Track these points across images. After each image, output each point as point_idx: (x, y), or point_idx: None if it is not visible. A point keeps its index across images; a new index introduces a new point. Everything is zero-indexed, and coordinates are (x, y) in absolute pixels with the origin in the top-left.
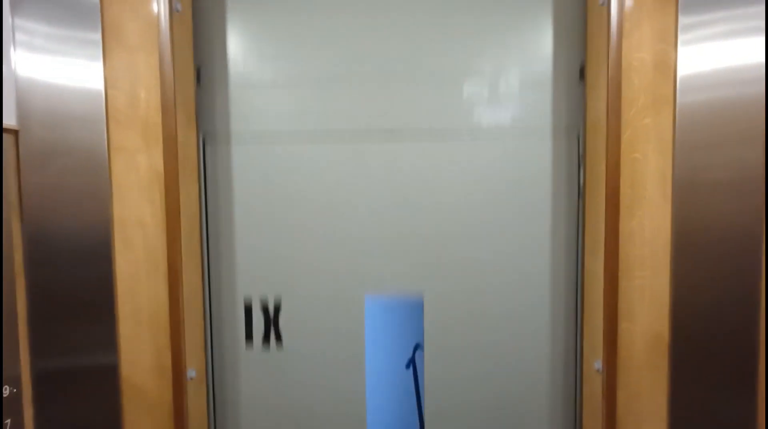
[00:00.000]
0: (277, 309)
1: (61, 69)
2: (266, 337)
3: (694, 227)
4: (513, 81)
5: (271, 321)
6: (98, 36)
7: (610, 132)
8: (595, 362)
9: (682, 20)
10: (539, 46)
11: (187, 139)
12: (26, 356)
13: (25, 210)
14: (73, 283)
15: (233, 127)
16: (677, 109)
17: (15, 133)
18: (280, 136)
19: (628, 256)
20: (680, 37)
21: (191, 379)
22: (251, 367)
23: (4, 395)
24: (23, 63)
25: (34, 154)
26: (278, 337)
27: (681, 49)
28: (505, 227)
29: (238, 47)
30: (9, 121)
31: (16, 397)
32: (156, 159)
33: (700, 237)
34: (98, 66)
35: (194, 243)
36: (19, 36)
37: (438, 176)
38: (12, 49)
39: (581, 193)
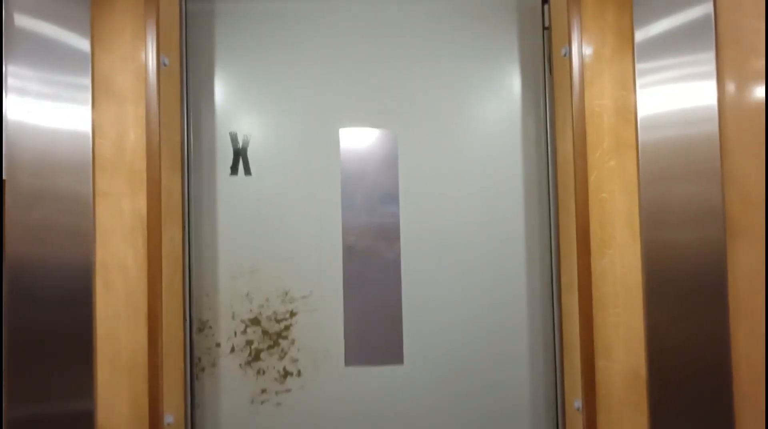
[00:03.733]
0: None
1: (50, 113)
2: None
3: (663, 263)
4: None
5: None
6: (88, 81)
7: (577, 174)
8: (575, 401)
9: (639, 66)
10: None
11: (172, 184)
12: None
13: (7, 255)
14: (53, 328)
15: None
16: (639, 148)
17: (2, 182)
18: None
19: (601, 293)
20: (638, 81)
21: (168, 425)
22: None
23: None
24: (13, 108)
25: (19, 201)
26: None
27: (639, 92)
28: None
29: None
30: None
31: None
32: (140, 204)
33: (669, 273)
34: (87, 111)
35: (176, 286)
36: (11, 81)
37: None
38: (3, 94)
39: (554, 234)
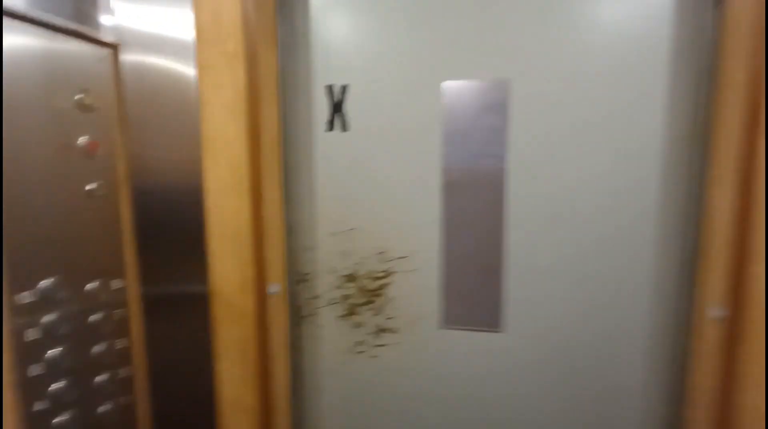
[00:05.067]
0: None
1: None
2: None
3: None
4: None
5: None
6: None
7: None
8: (711, 309)
9: None
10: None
11: (267, 61)
12: (133, 270)
13: (127, 125)
14: (170, 197)
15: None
16: None
17: (115, 47)
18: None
19: (764, 188)
20: None
21: (273, 293)
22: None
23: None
24: None
25: (132, 72)
26: None
27: None
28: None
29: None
30: (110, 38)
31: (125, 317)
32: (239, 78)
33: None
34: None
35: (274, 161)
36: None
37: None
38: None
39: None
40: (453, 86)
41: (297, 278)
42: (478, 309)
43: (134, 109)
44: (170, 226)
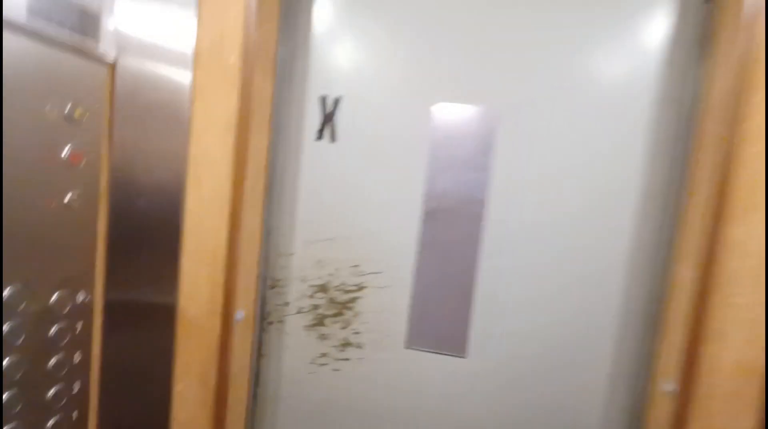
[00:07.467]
0: None
1: (158, 8)
2: None
3: None
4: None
5: None
6: None
7: (731, 118)
8: (666, 383)
9: None
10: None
11: (263, 89)
12: (101, 283)
13: (114, 139)
14: (148, 214)
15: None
16: None
17: (112, 66)
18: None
19: (726, 268)
20: None
21: (239, 320)
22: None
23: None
24: (123, 2)
25: (126, 87)
26: None
27: None
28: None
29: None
30: (108, 55)
31: (87, 329)
32: (232, 103)
33: None
34: (192, 7)
35: (258, 191)
36: None
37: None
38: None
39: (681, 191)
40: (443, 110)
41: (269, 283)
42: (445, 333)
43: (124, 123)
44: (145, 242)
